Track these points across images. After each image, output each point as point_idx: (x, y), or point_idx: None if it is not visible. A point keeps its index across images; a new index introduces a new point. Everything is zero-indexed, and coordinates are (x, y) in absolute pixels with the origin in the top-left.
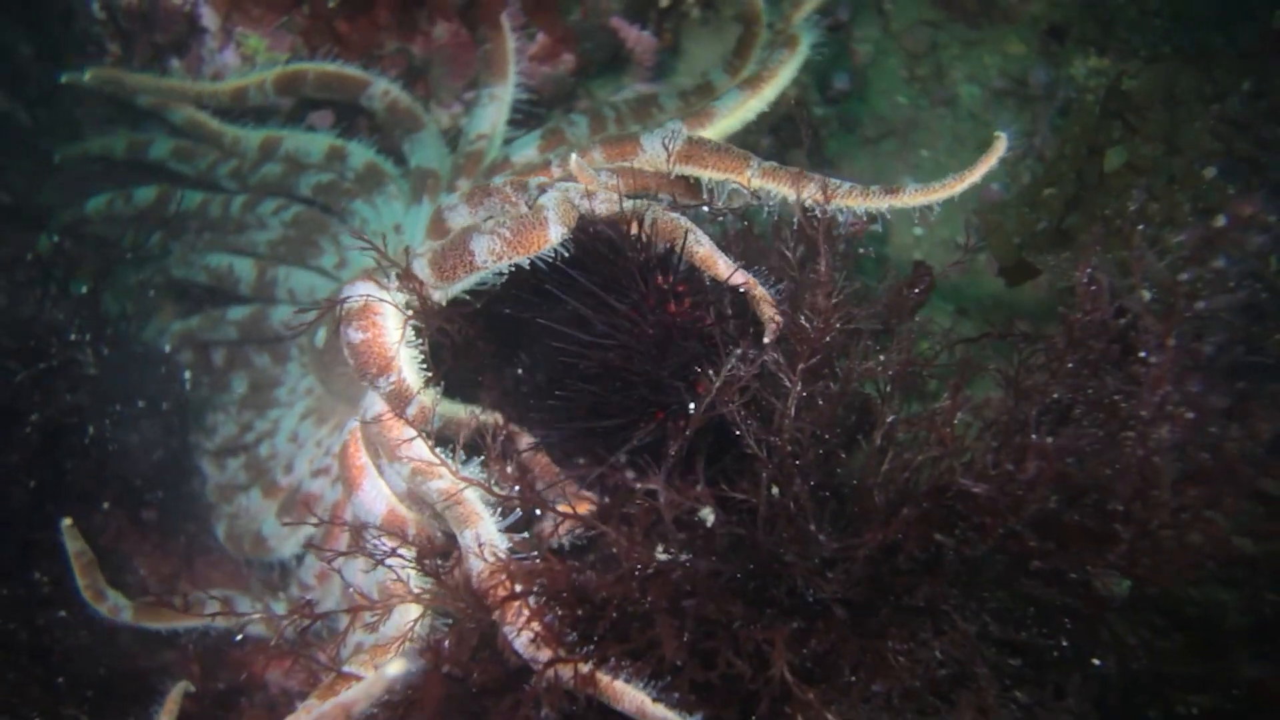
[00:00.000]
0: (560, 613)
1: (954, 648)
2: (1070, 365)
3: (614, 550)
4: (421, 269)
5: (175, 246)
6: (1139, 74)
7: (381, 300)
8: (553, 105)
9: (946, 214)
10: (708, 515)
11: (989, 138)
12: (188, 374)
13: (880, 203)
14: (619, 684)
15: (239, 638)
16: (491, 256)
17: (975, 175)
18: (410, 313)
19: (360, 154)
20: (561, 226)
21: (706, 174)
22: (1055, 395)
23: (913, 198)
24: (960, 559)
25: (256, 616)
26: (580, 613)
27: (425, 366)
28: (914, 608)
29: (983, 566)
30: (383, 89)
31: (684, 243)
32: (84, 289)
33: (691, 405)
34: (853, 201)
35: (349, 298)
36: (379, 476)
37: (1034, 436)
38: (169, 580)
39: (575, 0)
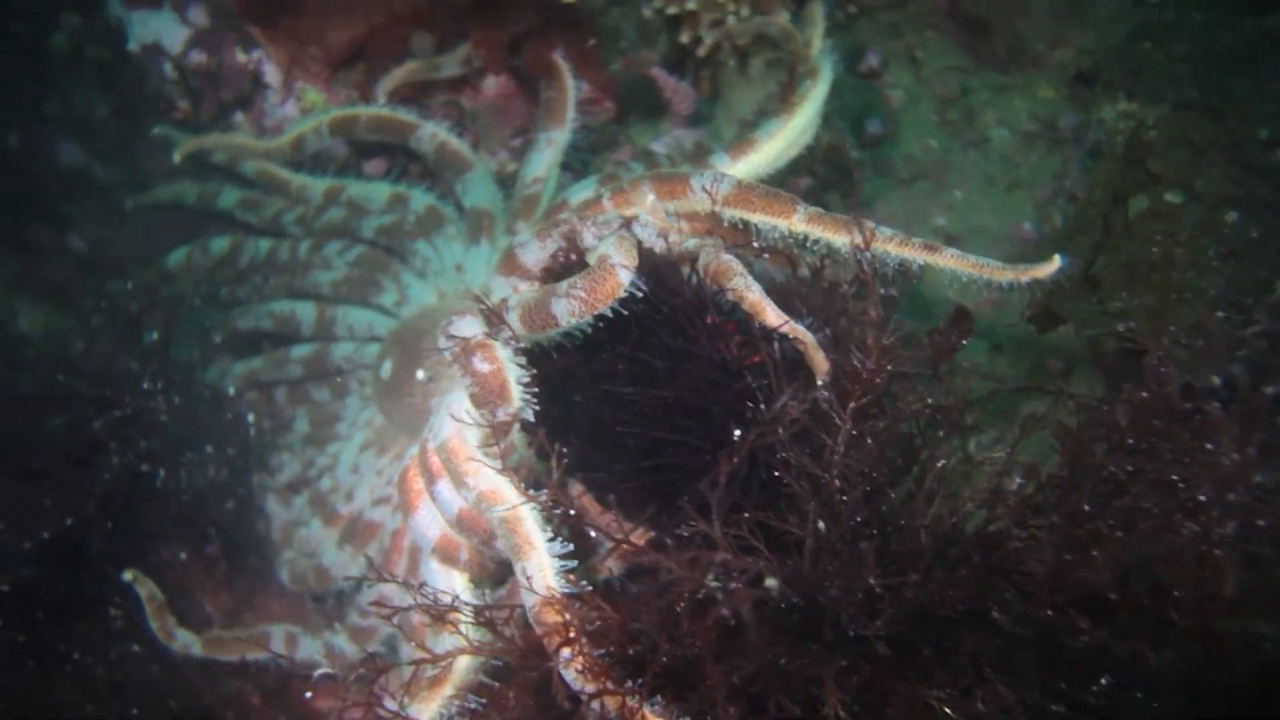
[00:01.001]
0: (611, 650)
1: (996, 699)
2: (1130, 441)
3: (663, 580)
4: (513, 321)
5: (242, 294)
6: (1158, 123)
7: (494, 339)
8: (595, 151)
9: (980, 252)
10: (772, 584)
11: (1020, 178)
12: (251, 417)
13: (917, 255)
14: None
15: (310, 675)
16: (573, 317)
17: (1015, 274)
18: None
19: (420, 198)
20: (629, 270)
21: (754, 217)
22: (1112, 470)
23: (949, 260)
24: (1008, 616)
25: (319, 656)
26: (631, 652)
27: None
28: (957, 658)
29: (1027, 629)
30: (431, 132)
31: (734, 285)
32: (154, 336)
33: (738, 434)
34: (892, 248)
35: (470, 334)
36: (432, 502)
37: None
38: (232, 614)
39: (617, 52)
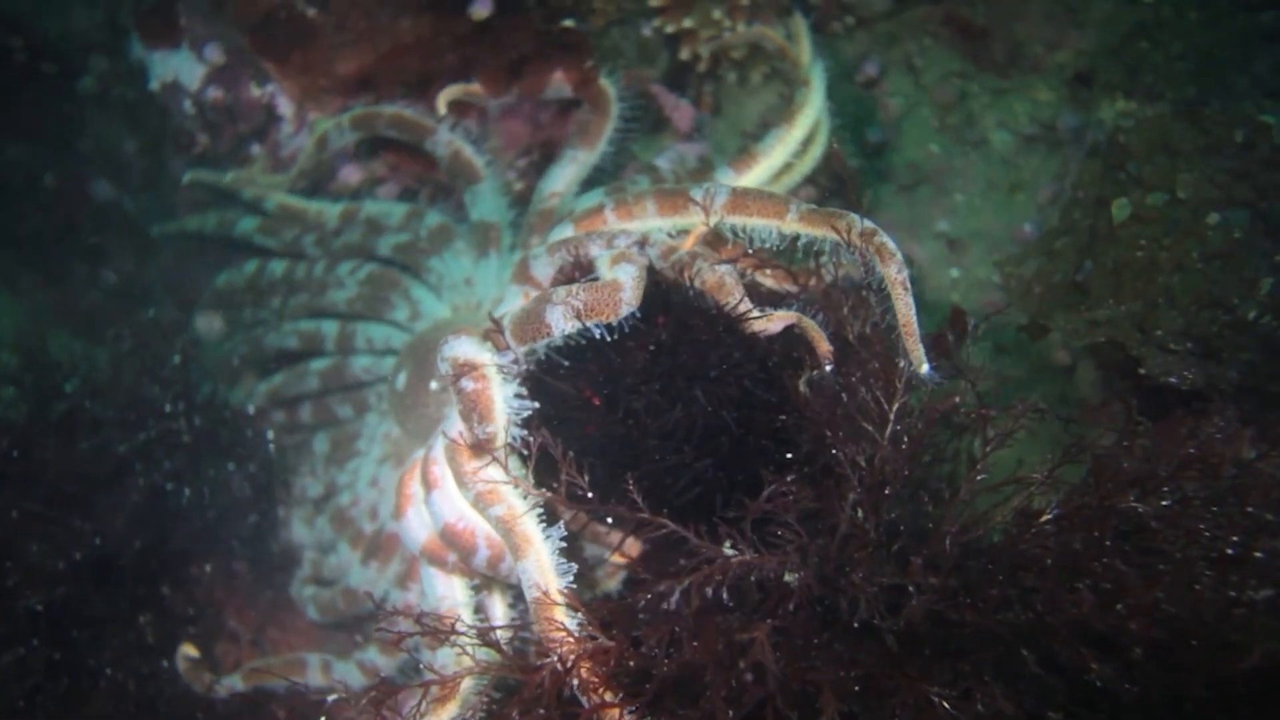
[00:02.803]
0: (612, 665)
1: (995, 705)
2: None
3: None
4: (508, 335)
5: (264, 314)
6: (1133, 128)
7: (485, 358)
8: (614, 174)
9: (983, 254)
10: (790, 578)
11: (1021, 180)
12: (271, 434)
13: (891, 276)
14: None
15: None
16: (566, 325)
17: (912, 351)
18: (506, 367)
19: (433, 216)
20: (632, 304)
21: (752, 221)
22: (1140, 509)
23: (900, 301)
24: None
25: (353, 678)
26: (633, 664)
27: (520, 420)
28: (960, 662)
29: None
30: (447, 138)
31: (733, 297)
32: (176, 360)
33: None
34: (880, 264)
35: (456, 351)
36: (423, 508)
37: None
38: (258, 630)
39: (617, 70)
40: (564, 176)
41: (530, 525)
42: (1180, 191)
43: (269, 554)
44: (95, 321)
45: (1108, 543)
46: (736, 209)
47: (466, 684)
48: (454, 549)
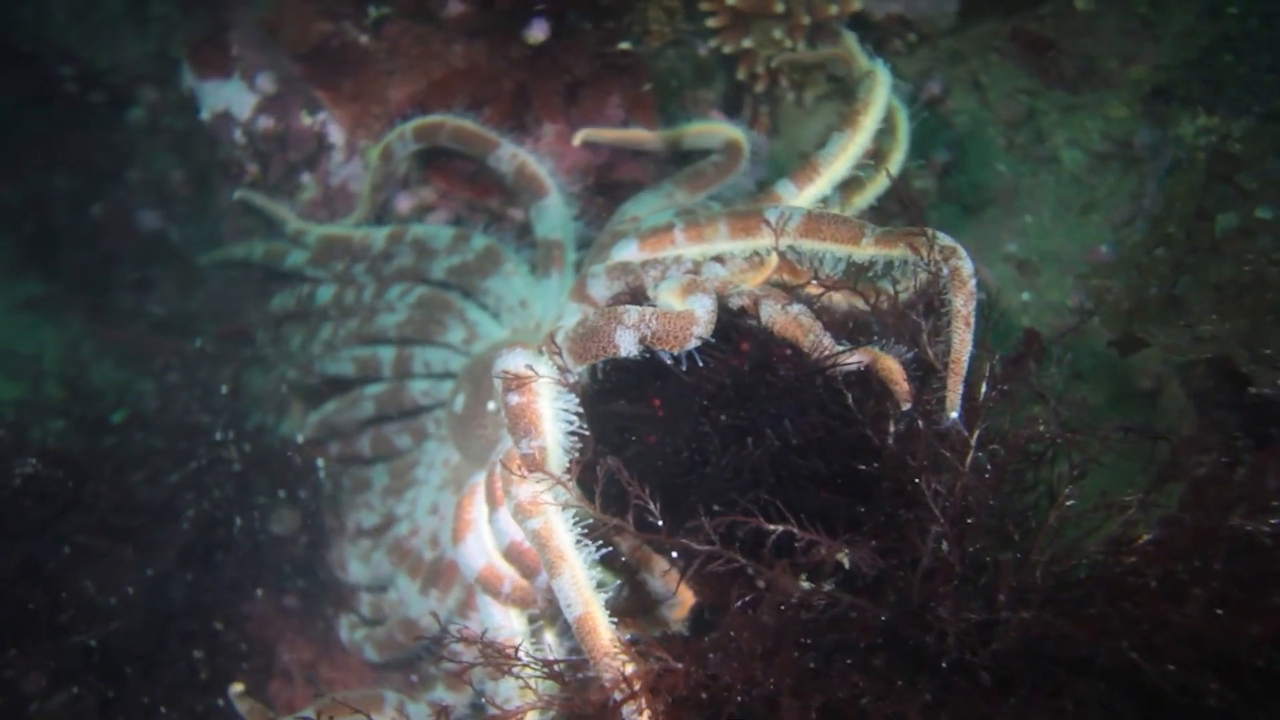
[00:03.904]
0: (684, 695)
1: None
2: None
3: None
4: (563, 349)
5: (314, 345)
6: (1244, 135)
7: (536, 371)
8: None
9: (1055, 277)
10: (844, 558)
11: (1094, 199)
12: (320, 462)
13: (958, 304)
14: None
15: None
16: (635, 347)
17: (952, 389)
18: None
19: (480, 239)
20: (703, 334)
21: (825, 246)
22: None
23: (960, 332)
24: (1116, 666)
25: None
26: (705, 695)
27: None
28: (1060, 700)
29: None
30: (511, 152)
31: (809, 341)
32: (224, 389)
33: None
34: (953, 288)
35: (508, 365)
36: (483, 532)
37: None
38: (310, 666)
39: (675, 94)
40: (651, 206)
41: (566, 540)
42: None
43: (321, 586)
44: (141, 353)
45: (1216, 566)
46: (810, 233)
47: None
48: (518, 566)
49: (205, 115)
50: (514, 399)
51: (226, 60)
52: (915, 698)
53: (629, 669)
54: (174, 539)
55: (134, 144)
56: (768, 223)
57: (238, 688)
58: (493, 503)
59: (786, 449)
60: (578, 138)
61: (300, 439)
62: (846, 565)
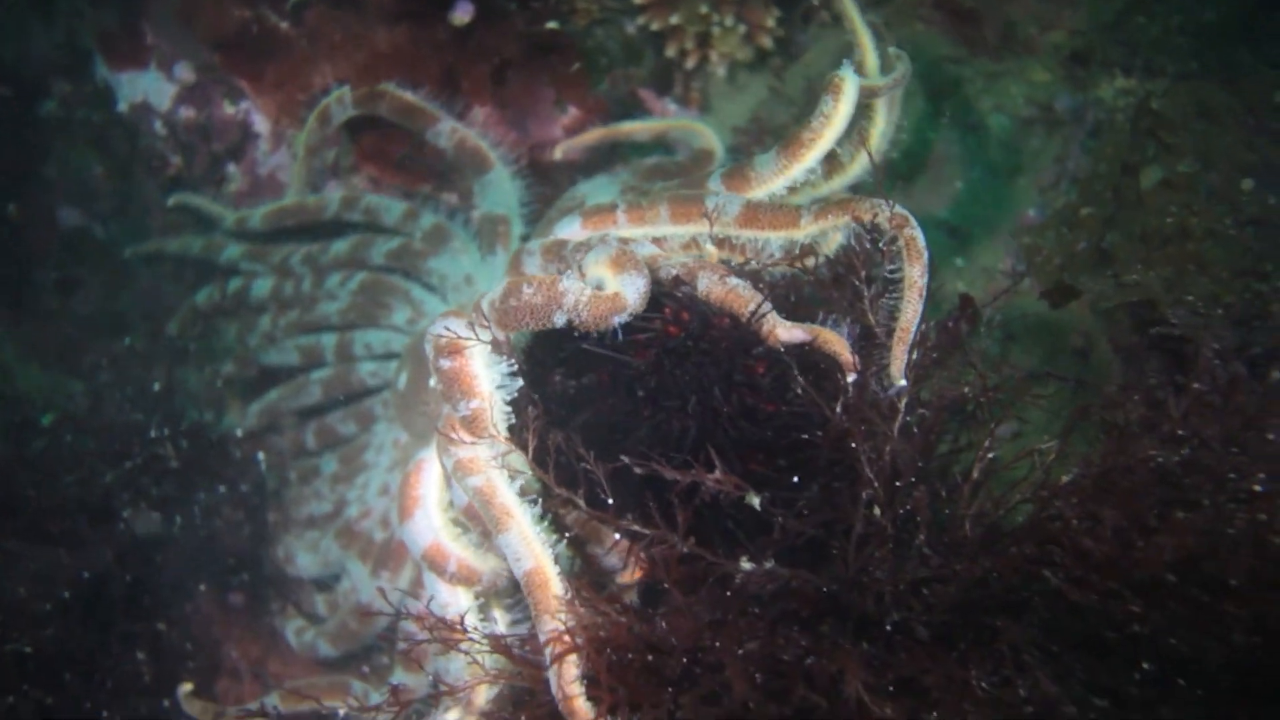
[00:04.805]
0: (630, 658)
1: (1039, 688)
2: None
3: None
4: (490, 312)
5: (253, 337)
6: (1167, 93)
7: (466, 336)
8: (590, 173)
9: (987, 243)
10: (754, 500)
11: (1021, 164)
12: (261, 456)
13: (914, 274)
14: None
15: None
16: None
17: (898, 357)
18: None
19: (429, 217)
20: (634, 313)
21: (764, 234)
22: (1160, 459)
23: (911, 302)
24: (1050, 606)
25: (353, 706)
26: (650, 659)
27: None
28: (997, 648)
29: (1073, 616)
30: (451, 126)
31: (747, 311)
32: (157, 386)
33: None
34: (907, 258)
35: (439, 332)
36: (431, 508)
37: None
38: (259, 662)
39: (604, 72)
40: (605, 190)
41: (510, 497)
42: (1214, 157)
43: (266, 582)
44: (69, 353)
45: (1136, 501)
46: (748, 222)
47: (480, 693)
48: (478, 524)
49: (123, 107)
50: (446, 363)
51: (141, 50)
52: (856, 653)
53: (573, 621)
54: (110, 540)
55: (49, 139)
56: (706, 209)
57: (186, 688)
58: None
59: (715, 418)
60: (558, 151)
61: (239, 432)
62: (757, 505)
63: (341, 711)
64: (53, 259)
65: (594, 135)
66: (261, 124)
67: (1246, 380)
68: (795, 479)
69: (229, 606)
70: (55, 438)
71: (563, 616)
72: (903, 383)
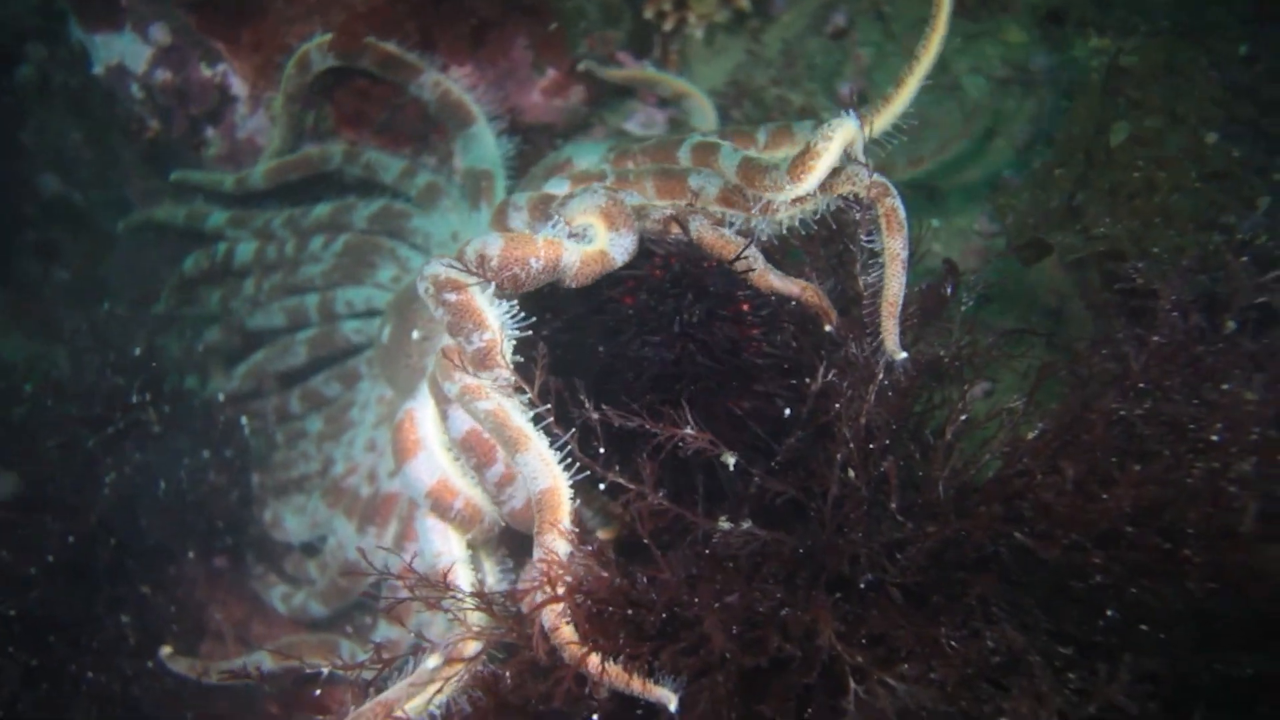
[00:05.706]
0: (611, 610)
1: (1006, 639)
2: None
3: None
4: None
5: (238, 302)
6: (1136, 50)
7: (465, 273)
8: (568, 135)
9: (963, 204)
10: (729, 459)
11: (998, 124)
12: (245, 420)
13: (895, 246)
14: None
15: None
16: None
17: (889, 333)
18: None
19: (425, 175)
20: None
21: (746, 212)
22: (1122, 413)
23: (894, 272)
24: (1017, 560)
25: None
26: (630, 612)
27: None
28: (966, 602)
29: (1039, 569)
30: (434, 79)
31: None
32: (138, 351)
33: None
34: (887, 230)
35: (437, 271)
36: (434, 448)
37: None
38: (242, 624)
39: (582, 35)
40: (592, 155)
41: (523, 420)
42: (1180, 110)
43: (251, 545)
44: (50, 320)
45: (1098, 454)
46: (729, 202)
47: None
48: (473, 455)
49: (99, 70)
50: (452, 296)
51: (116, 11)
52: (829, 604)
53: (565, 553)
54: (94, 505)
55: (26, 104)
56: (690, 188)
57: (166, 650)
58: (445, 405)
59: (702, 347)
60: (583, 64)
61: (222, 397)
62: (731, 465)
63: (325, 670)
64: (33, 226)
65: (625, 74)
66: (239, 87)
67: (1204, 331)
68: (787, 411)
69: (213, 570)
70: (37, 404)
71: (561, 543)
72: (903, 354)
